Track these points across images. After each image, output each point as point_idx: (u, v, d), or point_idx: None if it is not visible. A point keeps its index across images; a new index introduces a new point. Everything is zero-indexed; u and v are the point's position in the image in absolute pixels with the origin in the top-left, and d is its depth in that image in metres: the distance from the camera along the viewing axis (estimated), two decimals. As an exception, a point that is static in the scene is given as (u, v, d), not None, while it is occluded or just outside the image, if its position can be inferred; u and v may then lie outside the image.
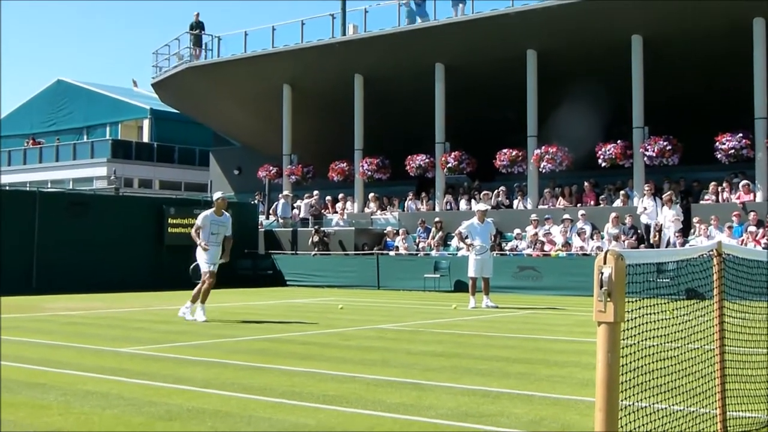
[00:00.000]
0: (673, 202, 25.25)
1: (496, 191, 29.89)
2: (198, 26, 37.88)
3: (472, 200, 30.22)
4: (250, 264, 30.77)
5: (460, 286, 25.46)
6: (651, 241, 24.96)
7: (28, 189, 31.90)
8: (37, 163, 54.15)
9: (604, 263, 4.26)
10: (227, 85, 36.75)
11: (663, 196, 25.68)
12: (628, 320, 4.64)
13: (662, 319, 5.52)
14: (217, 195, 17.03)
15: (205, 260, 16.21)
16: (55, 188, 43.14)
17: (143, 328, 14.61)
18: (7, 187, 35.63)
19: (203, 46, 37.78)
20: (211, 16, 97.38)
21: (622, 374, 4.49)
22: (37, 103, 60.16)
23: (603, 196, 28.12)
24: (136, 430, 6.42)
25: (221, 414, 6.94)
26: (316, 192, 34.60)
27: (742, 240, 22.78)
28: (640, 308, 5.16)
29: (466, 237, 20.24)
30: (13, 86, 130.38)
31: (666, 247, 24.73)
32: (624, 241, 24.51)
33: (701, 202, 25.96)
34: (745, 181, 25.25)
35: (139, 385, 8.36)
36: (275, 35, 34.99)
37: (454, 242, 27.01)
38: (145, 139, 55.90)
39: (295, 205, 34.53)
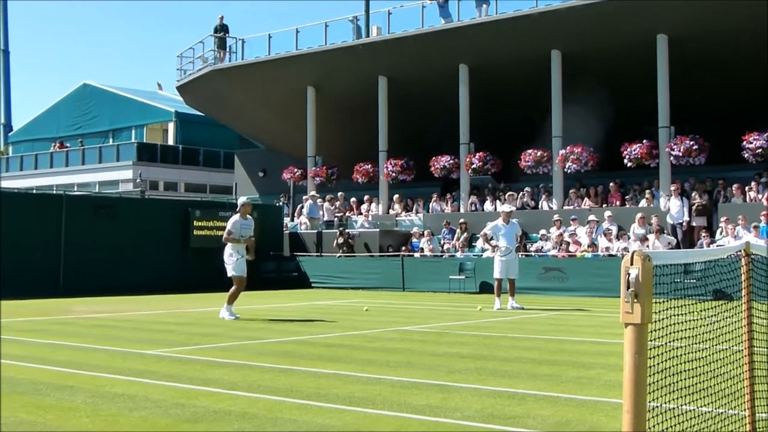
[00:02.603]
0: (682, 196, 25.51)
1: (521, 192, 29.85)
2: (222, 29, 38.01)
3: (497, 201, 30.17)
4: (275, 266, 30.83)
5: (486, 288, 25.42)
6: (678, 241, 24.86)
7: (54, 192, 32.11)
8: (63, 166, 54.49)
9: (631, 264, 4.24)
10: (251, 88, 36.84)
11: (671, 188, 25.68)
12: (655, 321, 4.61)
13: (690, 320, 5.49)
14: (242, 200, 18.11)
15: (232, 265, 17.30)
16: (82, 191, 43.38)
17: (169, 331, 14.67)
18: (35, 191, 35.90)
19: (227, 49, 37.90)
20: (236, 19, 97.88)
21: (650, 375, 4.46)
22: (64, 106, 60.58)
23: (629, 197, 28.00)
24: (162, 431, 6.44)
25: (247, 416, 6.96)
26: (340, 193, 34.65)
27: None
28: (667, 309, 5.13)
29: (491, 238, 20.23)
30: (39, 90, 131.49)
31: (673, 234, 24.80)
32: (654, 241, 24.37)
33: (727, 202, 25.79)
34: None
35: (166, 387, 8.40)
36: (299, 37, 35.09)
37: (479, 243, 26.96)
38: (170, 141, 56.15)
39: (324, 208, 34.57)
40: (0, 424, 6.58)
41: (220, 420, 6.82)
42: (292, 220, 34.78)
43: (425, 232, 29.79)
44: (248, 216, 17.49)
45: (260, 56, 36.20)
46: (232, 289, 17.22)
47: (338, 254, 30.00)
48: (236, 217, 17.36)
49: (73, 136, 58.16)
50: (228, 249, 17.35)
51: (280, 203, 36.16)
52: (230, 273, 17.32)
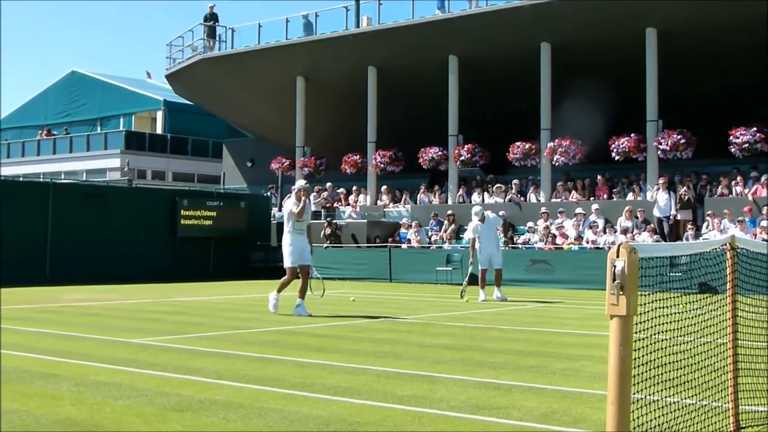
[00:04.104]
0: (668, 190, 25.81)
1: (509, 185, 29.88)
2: (212, 18, 37.91)
3: (485, 193, 30.22)
4: (263, 256, 30.83)
5: (473, 279, 25.43)
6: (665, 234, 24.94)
7: (41, 180, 32.02)
8: (51, 154, 54.29)
9: (617, 256, 4.25)
10: (241, 77, 36.77)
11: (659, 181, 25.81)
12: (640, 314, 4.63)
13: (675, 313, 5.51)
14: (300, 183, 16.64)
15: (289, 254, 15.75)
16: (69, 179, 43.26)
17: (156, 320, 14.65)
18: (21, 179, 35.79)
19: (217, 38, 37.81)
20: (226, 8, 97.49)
21: (635, 368, 4.48)
22: (52, 94, 60.31)
23: (616, 190, 28.06)
24: (148, 420, 6.43)
25: (233, 405, 6.96)
26: (329, 184, 34.63)
27: (755, 233, 22.72)
28: (652, 302, 5.15)
29: (474, 241, 20.28)
30: (27, 77, 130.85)
31: (659, 225, 24.97)
32: (638, 234, 24.47)
33: (712, 196, 25.89)
34: (765, 176, 25.16)
35: (152, 376, 8.39)
36: (289, 27, 35.02)
37: (467, 235, 26.99)
38: (159, 130, 55.98)
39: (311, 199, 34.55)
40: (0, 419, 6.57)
41: (205, 409, 6.81)
42: (280, 210, 34.74)
43: (413, 224, 29.81)
44: (303, 200, 16.10)
45: (250, 45, 36.13)
46: (284, 278, 15.88)
47: (325, 245, 29.98)
48: (293, 199, 16.19)
49: (60, 123, 57.94)
50: (287, 237, 15.91)
51: (269, 193, 36.12)
52: (286, 264, 15.83)
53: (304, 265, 15.90)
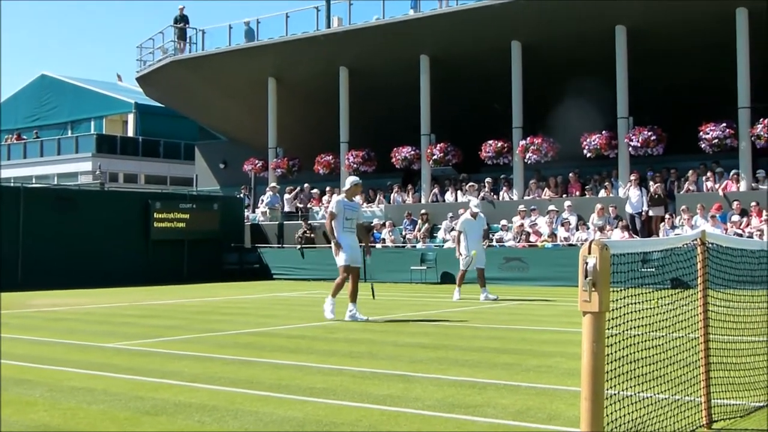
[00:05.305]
0: (640, 186, 26.03)
1: (482, 183, 29.94)
2: (182, 19, 37.75)
3: (458, 192, 30.27)
4: (236, 258, 30.79)
5: (447, 278, 25.50)
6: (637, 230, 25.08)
7: (12, 185, 31.77)
8: (21, 158, 53.90)
9: (589, 253, 4.27)
10: (212, 79, 36.66)
11: (630, 178, 25.99)
12: (613, 310, 4.66)
13: (647, 309, 5.55)
14: (351, 179, 15.39)
15: (342, 253, 14.76)
16: (40, 184, 42.96)
17: (129, 323, 14.57)
18: (-8, 183, 35.48)
19: (188, 40, 37.66)
20: (196, 10, 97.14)
21: (608, 363, 4.51)
22: (21, 98, 59.84)
23: (588, 187, 28.20)
24: (122, 424, 6.40)
25: (208, 408, 6.94)
26: (306, 184, 34.60)
27: (725, 228, 22.90)
28: (624, 298, 5.18)
29: (461, 236, 20.04)
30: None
31: (631, 222, 25.21)
32: (609, 232, 24.61)
33: (683, 192, 26.06)
34: (734, 171, 25.38)
35: (126, 380, 8.34)
36: (260, 28, 34.96)
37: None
38: (130, 133, 55.68)
39: (285, 199, 34.48)
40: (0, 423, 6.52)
41: (180, 413, 6.79)
42: (253, 211, 34.68)
43: (387, 223, 29.82)
44: (354, 198, 15.35)
45: (220, 47, 36.02)
46: (338, 280, 14.91)
47: (299, 246, 29.89)
48: (339, 197, 15.26)
49: (31, 127, 57.51)
50: (338, 236, 14.89)
51: (242, 195, 36.04)
52: (339, 262, 14.82)
53: (356, 266, 14.99)
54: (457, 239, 20.23)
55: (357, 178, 15.51)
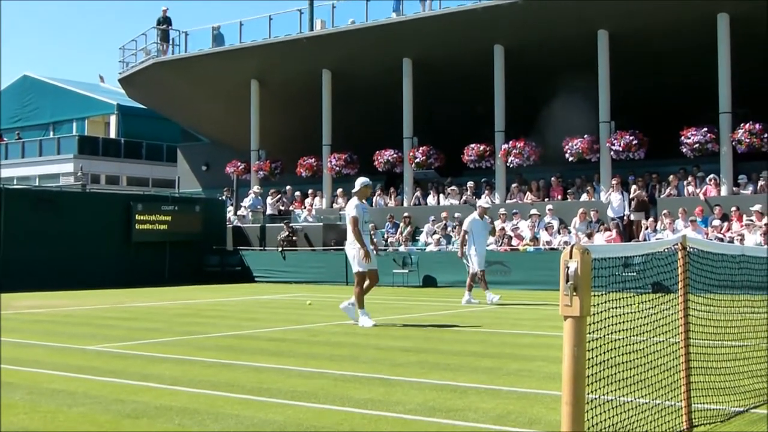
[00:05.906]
0: (621, 191, 26.14)
1: (464, 186, 29.98)
2: (165, 21, 37.67)
3: (440, 195, 30.31)
4: (218, 260, 30.68)
5: (429, 282, 25.52)
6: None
7: (-7, 186, 31.57)
8: (2, 159, 53.63)
9: (570, 257, 4.28)
10: (195, 81, 36.58)
11: (612, 182, 26.07)
12: (594, 314, 4.67)
13: (628, 313, 5.56)
14: (362, 180, 15.01)
15: (357, 259, 14.49)
16: (21, 185, 42.74)
17: (110, 326, 14.51)
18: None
19: (170, 42, 37.58)
20: (179, 12, 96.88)
21: (589, 368, 4.52)
22: (3, 99, 59.53)
23: (570, 191, 28.27)
24: (103, 427, 6.38)
25: (189, 411, 6.91)
26: (288, 187, 34.56)
27: (706, 233, 23.00)
28: (606, 302, 5.19)
29: (466, 235, 19.88)
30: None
31: (612, 225, 25.24)
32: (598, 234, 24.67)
33: (664, 196, 26.16)
34: (712, 176, 25.52)
35: (106, 383, 8.31)
36: (243, 30, 34.94)
37: (425, 235, 26.97)
38: (112, 135, 55.52)
39: (267, 202, 34.41)
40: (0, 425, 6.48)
41: (161, 416, 6.77)
42: (236, 214, 34.60)
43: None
44: (365, 200, 15.04)
45: (203, 49, 35.95)
46: (355, 289, 14.52)
47: (280, 249, 29.82)
48: (356, 200, 14.77)
49: (12, 128, 57.25)
50: (351, 241, 14.66)
51: (224, 197, 35.97)
52: (355, 269, 14.57)
53: (373, 269, 14.62)
54: (461, 239, 20.11)
55: (367, 179, 15.19)
